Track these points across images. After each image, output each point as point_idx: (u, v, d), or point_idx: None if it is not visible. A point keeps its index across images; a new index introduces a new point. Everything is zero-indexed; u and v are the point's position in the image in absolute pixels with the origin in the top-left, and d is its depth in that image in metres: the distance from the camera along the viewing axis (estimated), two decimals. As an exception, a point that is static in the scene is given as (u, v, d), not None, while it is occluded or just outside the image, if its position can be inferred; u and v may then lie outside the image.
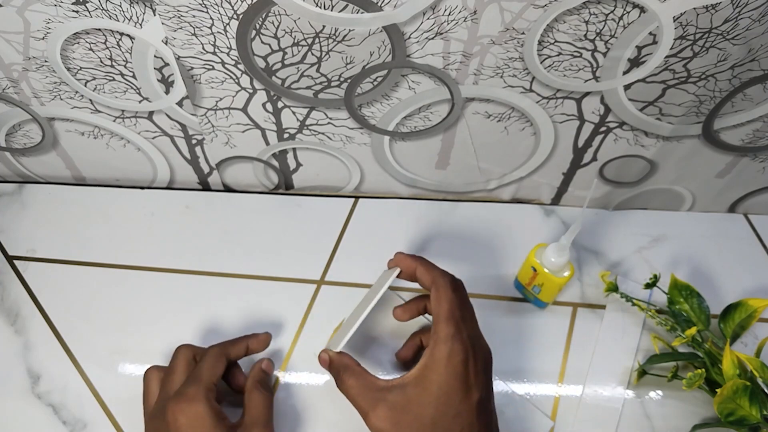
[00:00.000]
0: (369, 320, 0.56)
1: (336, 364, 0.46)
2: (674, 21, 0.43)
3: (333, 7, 0.44)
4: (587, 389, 0.53)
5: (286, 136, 0.58)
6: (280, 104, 0.54)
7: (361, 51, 0.48)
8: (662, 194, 0.62)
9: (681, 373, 0.52)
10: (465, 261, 0.60)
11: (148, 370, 0.48)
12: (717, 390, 0.46)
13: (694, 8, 0.42)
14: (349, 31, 0.46)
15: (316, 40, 0.47)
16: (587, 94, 0.51)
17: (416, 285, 0.52)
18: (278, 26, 0.46)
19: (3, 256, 0.60)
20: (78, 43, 0.48)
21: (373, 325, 0.56)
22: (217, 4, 0.44)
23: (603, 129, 0.54)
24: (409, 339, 0.52)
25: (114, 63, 0.50)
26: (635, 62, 0.47)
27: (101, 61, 0.50)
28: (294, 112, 0.55)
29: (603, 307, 0.57)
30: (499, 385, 0.53)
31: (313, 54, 0.48)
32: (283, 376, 0.53)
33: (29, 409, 0.51)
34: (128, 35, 0.48)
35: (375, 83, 0.51)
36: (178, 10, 0.45)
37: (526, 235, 0.62)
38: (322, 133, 0.57)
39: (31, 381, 0.52)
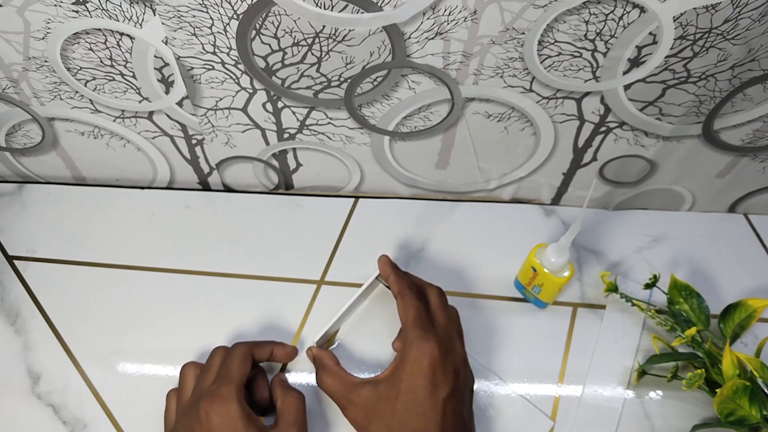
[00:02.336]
0: (363, 317, 0.56)
1: (316, 362, 0.50)
2: (674, 21, 0.43)
3: (333, 7, 0.44)
4: (587, 389, 0.53)
5: (286, 136, 0.58)
6: (280, 104, 0.54)
7: (361, 51, 0.48)
8: (662, 194, 0.62)
9: (681, 373, 0.52)
10: (465, 261, 0.60)
11: (185, 365, 0.49)
12: (717, 390, 0.46)
13: (694, 8, 0.42)
14: (349, 31, 0.46)
15: (316, 40, 0.47)
16: (587, 94, 0.51)
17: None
18: (278, 26, 0.46)
19: (3, 256, 0.60)
20: (78, 43, 0.48)
21: (367, 321, 0.56)
22: (217, 4, 0.44)
23: (603, 129, 0.54)
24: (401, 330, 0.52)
25: (114, 63, 0.50)
26: (635, 62, 0.47)
27: (101, 61, 0.50)
28: (294, 112, 0.55)
29: (603, 307, 0.57)
30: (499, 385, 0.53)
31: (313, 54, 0.48)
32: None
33: (29, 409, 0.51)
34: (128, 35, 0.48)
35: (375, 83, 0.51)
36: (178, 10, 0.45)
37: (526, 235, 0.62)
38: (322, 133, 0.57)
39: (31, 381, 0.52)
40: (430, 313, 0.47)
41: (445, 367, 0.44)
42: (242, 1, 0.44)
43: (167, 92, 0.53)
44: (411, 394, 0.43)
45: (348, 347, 0.55)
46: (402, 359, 0.44)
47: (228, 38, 0.47)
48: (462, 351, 0.47)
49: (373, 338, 0.55)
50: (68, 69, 0.51)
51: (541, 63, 0.48)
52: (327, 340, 0.55)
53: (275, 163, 0.62)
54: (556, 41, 0.46)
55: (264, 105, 0.54)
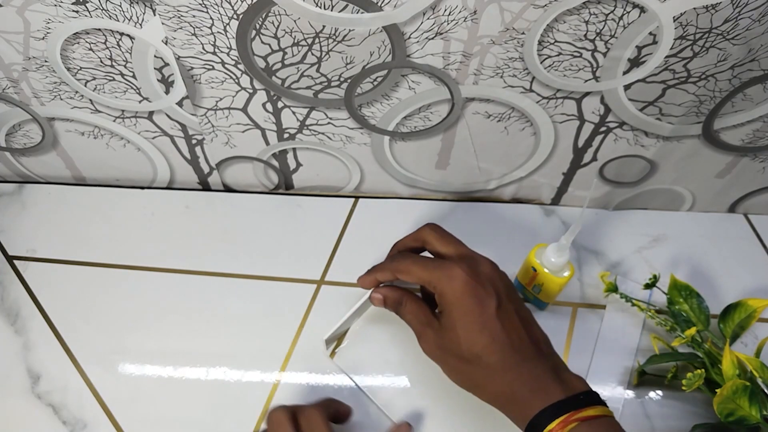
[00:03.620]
0: (374, 316, 0.56)
1: (393, 297, 0.49)
2: (674, 21, 0.43)
3: (333, 7, 0.44)
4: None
5: (286, 136, 0.58)
6: (280, 104, 0.54)
7: (361, 51, 0.48)
8: (662, 194, 0.62)
9: (681, 373, 0.52)
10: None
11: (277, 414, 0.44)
12: (717, 390, 0.46)
13: (694, 8, 0.42)
14: (349, 31, 0.46)
15: (316, 40, 0.47)
16: (587, 94, 0.51)
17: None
18: (278, 26, 0.46)
19: (3, 256, 0.60)
20: (78, 43, 0.48)
21: (378, 320, 0.56)
22: (217, 4, 0.44)
23: (603, 129, 0.54)
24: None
25: (114, 63, 0.50)
26: (635, 62, 0.47)
27: (101, 61, 0.50)
28: (294, 112, 0.55)
29: (603, 307, 0.57)
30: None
31: (313, 54, 0.48)
32: (283, 377, 0.53)
33: (29, 409, 0.51)
34: (128, 35, 0.48)
35: (375, 83, 0.51)
36: (178, 10, 0.45)
37: (526, 235, 0.62)
38: (322, 133, 0.57)
39: (31, 381, 0.52)
40: (436, 257, 0.48)
41: (479, 279, 0.44)
42: (242, 1, 0.44)
43: (167, 92, 0.53)
44: (465, 317, 0.43)
45: (358, 347, 0.55)
46: (441, 298, 0.45)
47: (228, 38, 0.47)
48: (486, 260, 0.47)
49: (383, 337, 0.55)
50: (68, 69, 0.51)
51: (541, 63, 0.48)
52: (336, 339, 0.55)
53: (275, 163, 0.62)
54: (556, 41, 0.46)
55: (264, 105, 0.54)
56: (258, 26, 0.46)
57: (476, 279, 0.44)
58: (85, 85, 0.53)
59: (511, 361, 0.42)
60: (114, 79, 0.52)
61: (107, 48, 0.49)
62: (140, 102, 0.54)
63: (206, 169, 0.63)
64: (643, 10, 0.43)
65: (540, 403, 0.40)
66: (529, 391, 0.41)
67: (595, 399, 0.41)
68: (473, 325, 0.43)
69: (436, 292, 0.45)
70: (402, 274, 0.47)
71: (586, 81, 0.49)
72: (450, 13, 0.44)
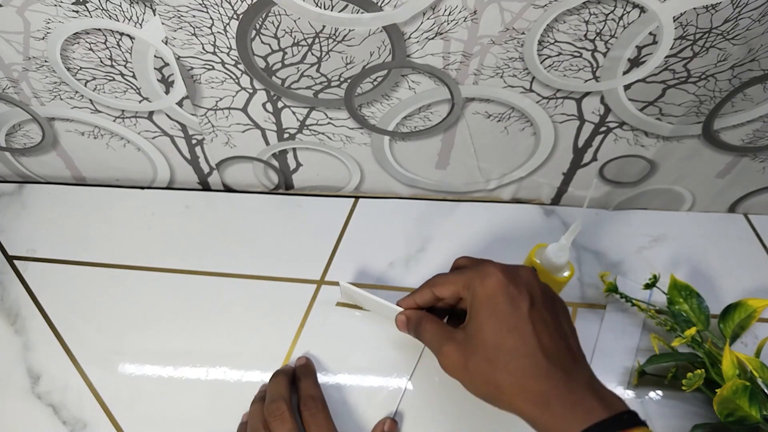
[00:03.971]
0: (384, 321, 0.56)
1: (414, 319, 0.47)
2: (674, 21, 0.43)
3: (333, 7, 0.44)
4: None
5: (286, 136, 0.58)
6: (280, 104, 0.54)
7: (361, 51, 0.48)
8: (662, 194, 0.62)
9: (681, 373, 0.52)
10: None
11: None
12: (717, 390, 0.46)
13: (694, 8, 0.42)
14: (349, 31, 0.46)
15: (316, 40, 0.47)
16: (587, 94, 0.51)
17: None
18: (278, 26, 0.46)
19: (3, 256, 0.60)
20: (78, 43, 0.48)
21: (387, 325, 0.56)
22: (217, 4, 0.44)
23: (603, 129, 0.54)
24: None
25: (114, 63, 0.50)
26: (635, 62, 0.47)
27: (101, 61, 0.50)
28: (294, 112, 0.55)
29: (603, 307, 0.57)
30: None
31: (313, 54, 0.48)
32: (283, 376, 0.53)
33: (29, 409, 0.51)
34: (128, 35, 0.48)
35: (375, 83, 0.51)
36: (178, 10, 0.45)
37: (526, 235, 0.62)
38: (322, 133, 0.57)
39: (31, 381, 0.52)
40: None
41: (514, 280, 0.42)
42: (242, 1, 0.44)
43: (167, 92, 0.53)
44: (494, 316, 0.41)
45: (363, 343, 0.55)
46: (473, 299, 0.43)
47: (228, 38, 0.47)
48: (526, 267, 0.44)
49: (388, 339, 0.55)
50: (68, 69, 0.51)
51: (541, 63, 0.48)
52: (350, 298, 0.55)
53: (275, 163, 0.62)
54: (556, 41, 0.46)
55: (264, 105, 0.54)
56: (258, 26, 0.46)
57: (511, 279, 0.42)
58: (85, 85, 0.53)
59: (543, 368, 0.39)
60: (114, 79, 0.52)
61: (107, 48, 0.49)
62: (140, 102, 0.54)
63: (206, 169, 0.63)
64: (643, 10, 0.43)
65: (582, 420, 0.37)
66: (564, 405, 0.38)
67: (638, 420, 0.38)
68: (503, 323, 0.40)
69: (469, 293, 0.43)
70: (438, 287, 0.46)
71: (586, 81, 0.49)
72: (450, 13, 0.44)
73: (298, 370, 0.52)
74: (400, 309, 0.48)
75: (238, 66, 0.50)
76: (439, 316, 0.47)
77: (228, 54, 0.49)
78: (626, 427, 0.36)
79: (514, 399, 0.40)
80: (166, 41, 0.48)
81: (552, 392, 0.38)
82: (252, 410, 0.49)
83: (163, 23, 0.46)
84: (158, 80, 0.52)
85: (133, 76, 0.52)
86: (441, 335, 0.44)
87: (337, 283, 0.58)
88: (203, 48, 0.48)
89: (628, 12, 0.43)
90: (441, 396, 0.52)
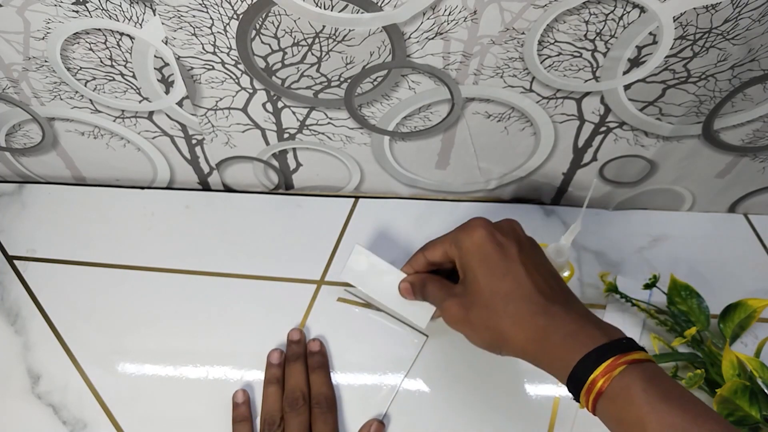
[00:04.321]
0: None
1: (417, 282, 0.49)
2: (674, 21, 0.43)
3: (333, 7, 0.44)
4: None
5: (286, 136, 0.58)
6: (280, 104, 0.54)
7: (361, 51, 0.48)
8: (662, 194, 0.62)
9: (681, 373, 0.52)
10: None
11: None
12: (717, 390, 0.46)
13: (694, 8, 0.42)
14: (349, 31, 0.46)
15: (316, 40, 0.47)
16: (587, 94, 0.51)
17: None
18: (278, 26, 0.46)
19: (3, 256, 0.60)
20: (78, 43, 0.48)
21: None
22: (217, 4, 0.44)
23: (603, 129, 0.54)
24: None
25: (114, 63, 0.50)
26: (635, 62, 0.47)
27: (101, 61, 0.50)
28: (294, 112, 0.55)
29: (603, 307, 0.57)
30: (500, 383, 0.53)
31: (313, 54, 0.48)
32: (283, 376, 0.53)
33: (29, 409, 0.51)
34: (128, 35, 0.48)
35: (375, 83, 0.51)
36: (178, 10, 0.45)
37: (526, 235, 0.62)
38: (322, 133, 0.57)
39: (31, 381, 0.52)
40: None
41: (500, 229, 0.44)
42: (242, 1, 0.44)
43: (167, 92, 0.53)
44: (485, 263, 0.42)
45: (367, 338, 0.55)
46: (461, 253, 0.44)
47: (228, 38, 0.47)
48: (508, 220, 0.46)
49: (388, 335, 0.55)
50: (68, 69, 0.51)
51: (541, 63, 0.48)
52: (359, 268, 0.54)
53: (275, 163, 0.62)
54: (556, 41, 0.46)
55: (264, 105, 0.54)
56: (258, 26, 0.46)
57: (496, 227, 0.44)
58: (85, 85, 0.53)
59: (540, 305, 0.40)
60: (114, 79, 0.52)
61: (107, 48, 0.49)
62: (140, 102, 0.54)
63: (206, 169, 0.63)
64: (643, 10, 0.43)
65: (581, 347, 0.37)
66: (564, 336, 0.38)
67: (636, 345, 0.38)
68: (495, 269, 0.42)
69: (457, 249, 0.44)
70: (429, 251, 0.47)
71: (586, 81, 0.49)
72: (450, 13, 0.44)
73: (312, 359, 0.53)
74: (404, 275, 0.50)
75: (238, 66, 0.50)
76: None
77: (228, 54, 0.49)
78: (625, 350, 0.37)
79: (515, 340, 0.40)
80: (166, 41, 0.48)
81: (551, 326, 0.39)
82: (268, 393, 0.50)
83: (163, 23, 0.46)
84: (158, 80, 0.52)
85: (133, 76, 0.52)
86: (443, 292, 0.46)
87: (338, 284, 0.58)
88: (203, 48, 0.48)
89: (628, 12, 0.43)
90: (432, 399, 0.52)
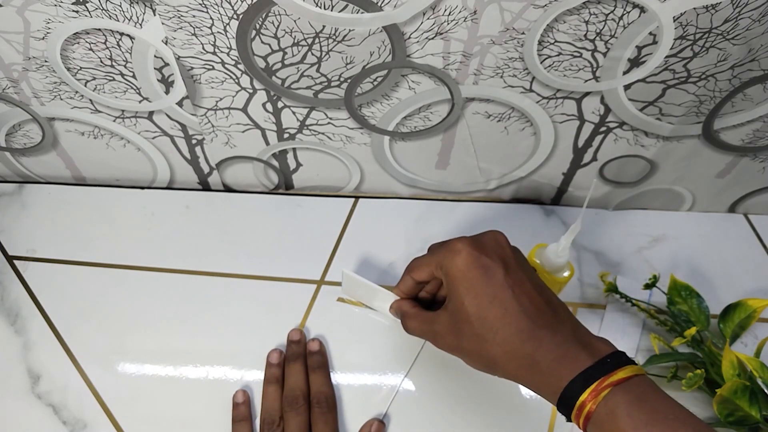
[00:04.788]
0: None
1: (399, 313, 0.49)
2: (674, 21, 0.43)
3: (333, 7, 0.44)
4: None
5: (286, 136, 0.58)
6: (280, 104, 0.54)
7: (361, 51, 0.48)
8: (662, 194, 0.62)
9: (681, 373, 0.52)
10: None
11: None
12: (717, 390, 0.46)
13: (694, 8, 0.42)
14: (349, 31, 0.46)
15: (316, 40, 0.47)
16: (587, 94, 0.51)
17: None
18: (278, 26, 0.46)
19: (3, 256, 0.60)
20: (78, 43, 0.48)
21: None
22: (217, 4, 0.44)
23: (603, 129, 0.54)
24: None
25: (114, 63, 0.50)
26: (635, 62, 0.47)
27: (101, 61, 0.50)
28: (294, 112, 0.55)
29: (603, 307, 0.57)
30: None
31: (313, 54, 0.48)
32: (283, 376, 0.53)
33: (29, 409, 0.51)
34: (128, 35, 0.48)
35: (375, 83, 0.51)
36: (178, 10, 0.45)
37: (526, 235, 0.62)
38: (322, 133, 0.57)
39: (31, 381, 0.52)
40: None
41: (484, 250, 0.42)
42: (242, 1, 0.44)
43: (167, 92, 0.53)
44: (472, 290, 0.41)
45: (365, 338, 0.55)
46: (447, 278, 0.43)
47: (228, 38, 0.47)
48: (492, 232, 0.45)
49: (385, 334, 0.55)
50: (68, 69, 0.51)
51: (541, 63, 0.48)
52: (351, 287, 0.55)
53: (275, 163, 0.62)
54: (556, 41, 0.46)
55: (264, 105, 0.54)
56: (258, 26, 0.46)
57: (480, 249, 0.42)
58: (85, 85, 0.53)
59: (528, 330, 0.40)
60: (114, 79, 0.52)
61: (107, 48, 0.49)
62: (140, 102, 0.54)
63: (206, 169, 0.63)
64: (643, 10, 0.43)
65: (567, 372, 0.38)
66: (552, 360, 0.39)
67: (622, 359, 0.38)
68: (482, 296, 0.41)
69: (443, 273, 0.44)
70: (415, 272, 0.47)
71: (586, 81, 0.49)
72: (450, 13, 0.44)
73: (311, 359, 0.53)
74: (394, 296, 0.49)
75: (238, 66, 0.50)
76: (424, 305, 0.49)
77: (228, 54, 0.49)
78: (611, 369, 0.37)
79: (507, 368, 0.41)
80: (166, 41, 0.48)
81: (538, 352, 0.39)
82: (267, 393, 0.50)
83: (163, 23, 0.46)
84: (158, 80, 0.52)
85: (133, 76, 0.52)
86: (426, 322, 0.46)
87: (338, 284, 0.58)
88: (203, 48, 0.48)
89: (628, 12, 0.43)
90: (432, 399, 0.52)
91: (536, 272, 0.44)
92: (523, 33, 0.45)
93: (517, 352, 0.40)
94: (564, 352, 0.39)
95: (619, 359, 0.38)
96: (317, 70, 0.50)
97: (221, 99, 0.53)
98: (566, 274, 0.51)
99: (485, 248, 0.43)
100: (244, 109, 0.55)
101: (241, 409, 0.50)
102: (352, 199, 0.65)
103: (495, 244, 0.44)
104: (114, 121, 0.57)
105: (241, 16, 0.45)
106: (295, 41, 0.47)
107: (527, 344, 0.39)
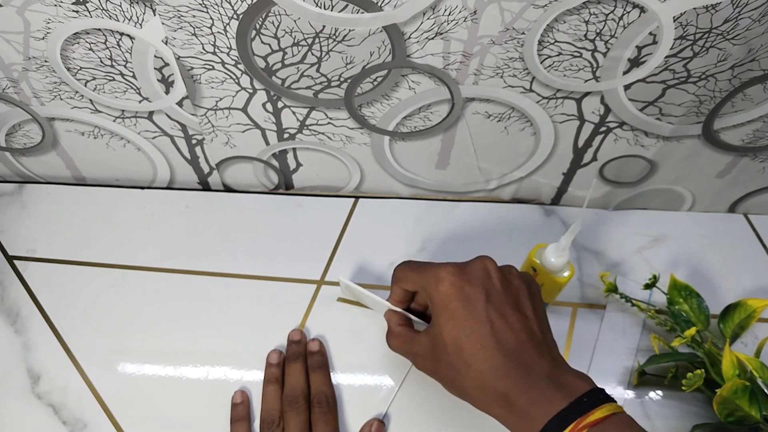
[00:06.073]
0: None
1: (388, 324, 0.49)
2: (674, 21, 0.43)
3: (333, 7, 0.44)
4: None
5: (286, 136, 0.58)
6: (280, 104, 0.54)
7: (361, 51, 0.48)
8: (662, 194, 0.62)
9: (681, 373, 0.52)
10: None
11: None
12: (717, 390, 0.46)
13: (694, 8, 0.42)
14: (349, 31, 0.46)
15: (316, 40, 0.47)
16: (587, 94, 0.51)
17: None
18: (278, 26, 0.46)
19: (3, 256, 0.60)
20: (78, 43, 0.48)
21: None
22: (217, 4, 0.44)
23: (603, 129, 0.54)
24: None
25: (114, 63, 0.50)
26: (635, 62, 0.47)
27: (101, 61, 0.50)
28: (294, 112, 0.55)
29: (603, 307, 0.57)
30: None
31: (313, 54, 0.48)
32: (283, 376, 0.53)
33: (29, 409, 0.51)
34: (128, 35, 0.48)
35: (375, 83, 0.51)
36: (178, 10, 0.45)
37: (526, 235, 0.62)
38: (322, 133, 0.57)
39: (31, 381, 0.52)
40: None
41: (468, 279, 0.41)
42: (242, 1, 0.44)
43: (167, 92, 0.53)
44: (451, 321, 0.41)
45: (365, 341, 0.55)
46: (431, 303, 0.42)
47: (228, 38, 0.47)
48: (481, 257, 0.44)
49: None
50: (68, 69, 0.51)
51: (541, 63, 0.48)
52: (349, 293, 0.55)
53: (275, 163, 0.62)
54: (556, 41, 0.46)
55: (264, 105, 0.54)
56: (258, 26, 0.46)
57: (463, 278, 0.41)
58: (85, 85, 0.53)
59: (503, 368, 0.39)
60: (114, 79, 0.52)
61: (107, 48, 0.49)
62: (140, 102, 0.54)
63: (206, 169, 0.63)
64: (643, 10, 0.43)
65: (542, 414, 0.37)
66: (526, 401, 0.38)
67: (599, 398, 0.37)
68: (460, 329, 0.40)
69: (429, 301, 0.43)
70: (402, 283, 0.47)
71: (586, 81, 0.49)
72: (450, 13, 0.44)
73: (312, 359, 0.53)
74: (388, 304, 0.49)
75: (238, 66, 0.50)
76: (418, 314, 0.49)
77: (228, 54, 0.49)
78: (588, 409, 0.36)
79: (481, 403, 0.40)
80: (166, 41, 0.48)
81: (513, 392, 0.38)
82: (267, 392, 0.50)
83: (163, 23, 0.46)
84: (158, 80, 0.52)
85: (133, 76, 0.52)
86: (407, 346, 0.46)
87: (337, 284, 0.58)
88: (203, 48, 0.48)
89: (628, 12, 0.43)
90: (432, 399, 0.52)
91: (529, 293, 0.43)
92: (523, 33, 0.45)
93: (490, 389, 0.39)
94: (537, 394, 0.38)
95: (597, 397, 0.37)
96: (317, 70, 0.50)
97: (221, 99, 0.53)
98: (566, 274, 0.51)
99: (470, 278, 0.42)
100: (244, 109, 0.55)
101: (240, 409, 0.50)
102: (352, 199, 0.65)
103: (481, 272, 0.42)
104: (114, 121, 0.57)
105: (241, 16, 0.45)
106: (295, 41, 0.47)
107: (500, 382, 0.39)
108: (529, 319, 0.42)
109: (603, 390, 0.38)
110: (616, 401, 0.38)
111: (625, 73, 0.48)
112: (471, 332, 0.40)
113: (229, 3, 0.44)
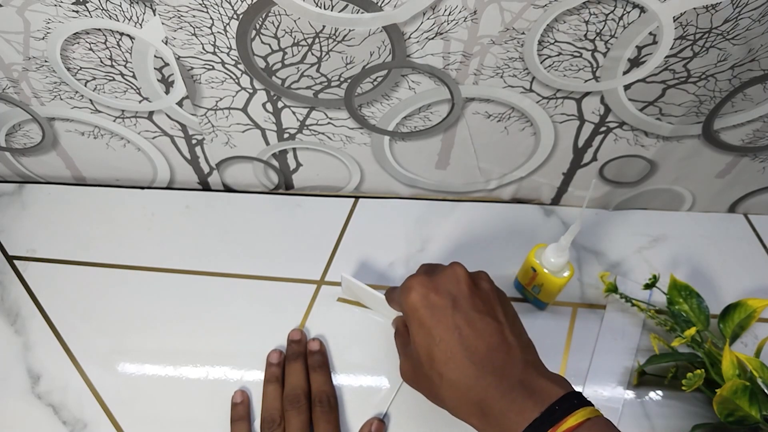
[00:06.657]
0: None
1: (395, 327, 0.50)
2: (674, 21, 0.43)
3: (333, 7, 0.44)
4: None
5: (286, 136, 0.58)
6: (280, 104, 0.54)
7: (361, 51, 0.48)
8: (662, 194, 0.62)
9: (681, 373, 0.52)
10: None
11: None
12: (717, 390, 0.46)
13: (694, 8, 0.42)
14: (349, 31, 0.46)
15: (316, 40, 0.47)
16: (587, 94, 0.51)
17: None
18: (278, 26, 0.46)
19: (3, 256, 0.60)
20: (78, 43, 0.48)
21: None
22: (217, 4, 0.44)
23: (603, 129, 0.54)
24: None
25: (114, 63, 0.50)
26: (635, 62, 0.47)
27: (101, 61, 0.50)
28: (294, 112, 0.55)
29: (603, 307, 0.57)
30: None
31: (313, 54, 0.48)
32: (283, 376, 0.53)
33: (29, 409, 0.51)
34: (128, 35, 0.48)
35: (375, 83, 0.51)
36: (178, 10, 0.45)
37: (525, 235, 0.62)
38: (322, 133, 0.57)
39: (31, 381, 0.52)
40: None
41: (435, 287, 0.41)
42: (242, 1, 0.44)
43: (167, 92, 0.53)
44: (421, 330, 0.40)
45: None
46: (405, 315, 0.43)
47: (228, 38, 0.47)
48: (452, 264, 0.43)
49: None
50: (68, 69, 0.51)
51: (541, 63, 0.48)
52: (350, 291, 0.56)
53: (275, 163, 0.62)
54: (556, 41, 0.46)
55: (264, 105, 0.54)
56: (258, 26, 0.46)
57: (431, 287, 0.41)
58: (85, 85, 0.53)
59: (472, 377, 0.38)
60: (114, 79, 0.52)
61: (107, 48, 0.49)
62: (140, 102, 0.54)
63: (206, 169, 0.63)
64: (643, 10, 0.43)
65: (516, 426, 0.36)
66: (500, 412, 0.37)
67: (573, 404, 0.37)
68: (430, 337, 0.40)
69: (404, 315, 0.43)
70: (391, 303, 0.48)
71: (586, 81, 0.49)
72: (450, 13, 0.44)
73: (312, 358, 0.53)
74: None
75: (238, 66, 0.50)
76: None
77: (228, 54, 0.49)
78: (561, 417, 0.36)
79: (459, 412, 0.40)
80: (166, 41, 0.48)
81: (486, 400, 0.38)
82: (267, 392, 0.50)
83: (163, 23, 0.46)
84: (158, 80, 0.52)
85: (133, 76, 0.52)
86: (399, 346, 0.47)
87: (338, 284, 0.58)
88: (203, 48, 0.48)
89: (628, 12, 0.43)
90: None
91: (501, 299, 0.43)
92: (523, 33, 0.45)
93: (464, 398, 0.39)
94: (509, 403, 0.37)
95: (570, 403, 0.37)
96: (317, 70, 0.50)
97: (221, 99, 0.53)
98: (566, 274, 0.51)
99: (437, 286, 0.41)
100: (244, 109, 0.55)
101: (239, 409, 0.50)
102: (352, 199, 0.65)
103: (450, 279, 0.42)
104: (114, 121, 0.57)
105: (241, 16, 0.45)
106: (295, 41, 0.47)
107: (473, 392, 0.38)
108: (500, 323, 0.41)
109: (578, 393, 0.38)
110: (592, 404, 0.37)
111: (625, 73, 0.48)
112: (440, 341, 0.40)
113: (229, 3, 0.44)
